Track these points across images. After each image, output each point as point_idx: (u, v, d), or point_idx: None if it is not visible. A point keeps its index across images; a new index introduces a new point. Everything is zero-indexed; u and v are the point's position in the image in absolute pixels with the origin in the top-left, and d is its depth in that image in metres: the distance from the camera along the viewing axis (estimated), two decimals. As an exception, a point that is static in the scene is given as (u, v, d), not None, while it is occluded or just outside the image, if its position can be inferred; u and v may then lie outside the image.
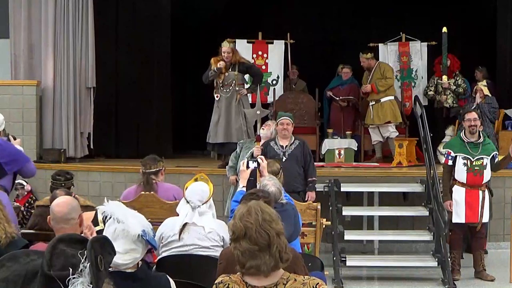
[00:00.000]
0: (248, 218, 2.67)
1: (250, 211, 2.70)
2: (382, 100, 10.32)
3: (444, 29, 10.54)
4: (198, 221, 4.82)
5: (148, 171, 6.43)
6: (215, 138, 9.57)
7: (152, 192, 6.25)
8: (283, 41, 11.43)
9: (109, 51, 11.66)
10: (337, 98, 11.14)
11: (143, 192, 6.27)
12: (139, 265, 3.30)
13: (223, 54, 9.41)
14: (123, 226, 3.23)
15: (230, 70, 9.50)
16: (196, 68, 13.89)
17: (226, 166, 8.56)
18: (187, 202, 4.90)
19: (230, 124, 9.47)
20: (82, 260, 2.34)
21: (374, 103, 10.39)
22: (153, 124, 11.96)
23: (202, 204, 4.88)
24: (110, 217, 3.29)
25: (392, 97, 10.43)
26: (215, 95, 9.63)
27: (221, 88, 9.52)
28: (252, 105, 9.62)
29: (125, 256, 3.20)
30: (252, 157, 7.56)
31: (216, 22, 13.33)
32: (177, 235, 4.78)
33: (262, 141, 7.79)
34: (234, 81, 9.51)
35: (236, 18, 13.10)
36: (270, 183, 5.17)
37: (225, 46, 9.47)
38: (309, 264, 4.93)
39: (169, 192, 6.41)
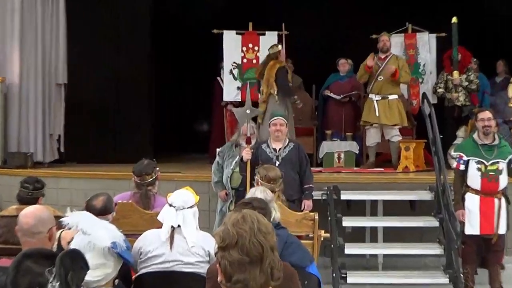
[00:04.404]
0: (243, 226, 2.64)
1: (245, 218, 2.67)
2: (390, 97, 10.06)
3: (454, 19, 10.39)
4: (182, 226, 4.78)
5: (145, 183, 6.29)
6: None
7: (130, 201, 6.16)
8: (276, 32, 11.27)
9: (90, 47, 11.63)
10: (338, 98, 11.07)
11: (126, 201, 6.18)
12: (115, 283, 3.24)
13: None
14: (89, 238, 3.18)
15: None
16: (175, 70, 14.01)
17: (211, 183, 8.52)
18: (170, 205, 4.89)
19: None
20: (50, 279, 2.27)
21: (379, 98, 10.06)
22: (132, 126, 11.89)
23: (187, 207, 4.86)
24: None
25: (397, 96, 10.22)
26: None
27: None
28: (242, 104, 9.62)
29: (96, 272, 3.14)
30: (242, 161, 7.53)
31: (215, 22, 13.34)
32: (158, 249, 4.73)
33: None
34: None
35: (235, 17, 13.06)
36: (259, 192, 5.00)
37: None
38: (305, 282, 4.86)
39: None
